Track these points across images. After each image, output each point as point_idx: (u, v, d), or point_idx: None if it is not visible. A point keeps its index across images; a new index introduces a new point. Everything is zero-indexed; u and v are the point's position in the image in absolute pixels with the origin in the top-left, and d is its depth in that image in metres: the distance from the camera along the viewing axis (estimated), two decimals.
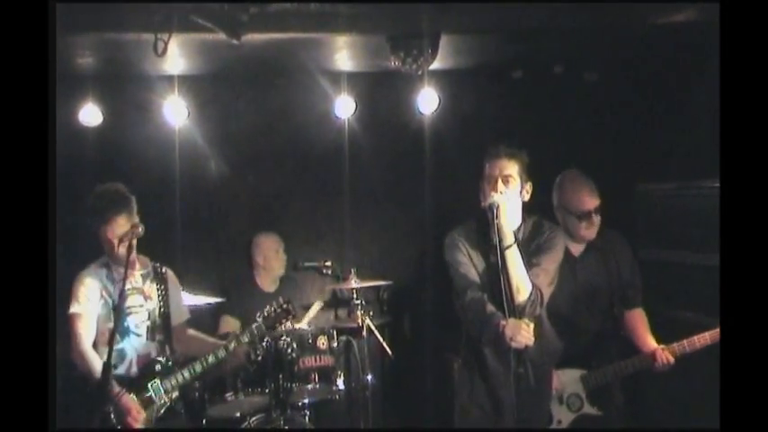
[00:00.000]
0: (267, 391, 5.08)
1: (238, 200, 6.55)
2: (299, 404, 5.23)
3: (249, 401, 5.17)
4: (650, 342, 4.35)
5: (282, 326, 4.55)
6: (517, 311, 3.76)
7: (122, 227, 4.21)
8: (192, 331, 4.66)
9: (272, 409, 5.03)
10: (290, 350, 5.16)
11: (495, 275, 3.87)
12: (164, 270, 4.51)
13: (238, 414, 5.13)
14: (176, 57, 5.30)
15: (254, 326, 4.42)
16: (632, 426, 4.49)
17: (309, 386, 5.27)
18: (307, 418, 5.27)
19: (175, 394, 4.32)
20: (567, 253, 4.40)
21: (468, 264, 4.05)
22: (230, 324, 5.65)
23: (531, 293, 3.83)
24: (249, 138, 6.45)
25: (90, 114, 5.89)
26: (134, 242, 4.14)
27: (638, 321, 4.46)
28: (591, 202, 4.33)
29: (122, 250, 4.18)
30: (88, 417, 4.00)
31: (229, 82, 6.22)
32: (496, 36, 5.28)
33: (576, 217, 4.34)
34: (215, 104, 6.26)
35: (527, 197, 4.02)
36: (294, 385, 5.16)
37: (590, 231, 4.37)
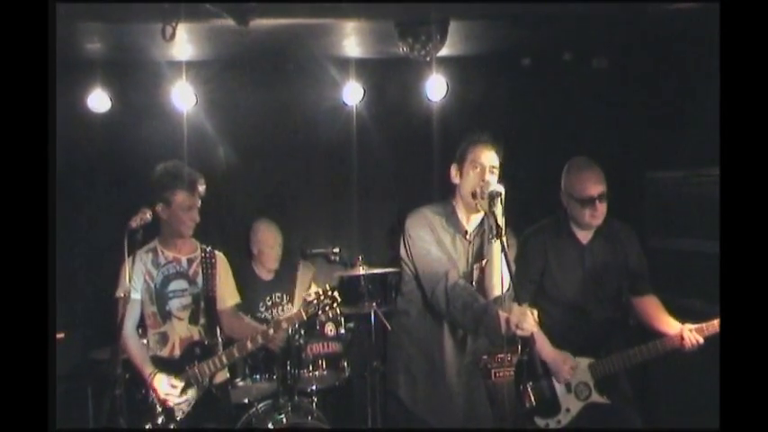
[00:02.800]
0: (275, 377, 5.10)
1: (245, 186, 6.55)
2: (307, 390, 5.25)
3: (257, 387, 5.19)
4: (673, 324, 4.29)
5: (326, 314, 4.50)
6: (507, 299, 3.74)
7: (186, 205, 4.26)
8: (241, 315, 4.65)
9: (280, 395, 5.05)
10: (297, 336, 5.17)
11: (468, 269, 3.90)
12: (213, 254, 4.50)
13: (246, 400, 5.15)
14: (184, 43, 5.30)
15: (294, 314, 4.36)
16: (641, 416, 4.46)
17: (317, 373, 5.29)
18: (314, 404, 5.29)
19: (218, 378, 4.36)
20: (575, 240, 4.38)
21: (440, 247, 3.98)
22: None
23: (509, 287, 3.78)
24: (257, 124, 6.44)
25: (98, 100, 5.89)
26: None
27: (653, 307, 4.41)
28: (594, 188, 4.26)
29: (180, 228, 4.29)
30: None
31: (237, 68, 6.20)
32: (505, 23, 5.25)
33: (579, 203, 4.28)
34: (223, 91, 6.25)
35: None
36: (302, 372, 5.18)
37: (594, 218, 4.29)
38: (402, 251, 4.09)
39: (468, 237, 4.03)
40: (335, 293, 4.30)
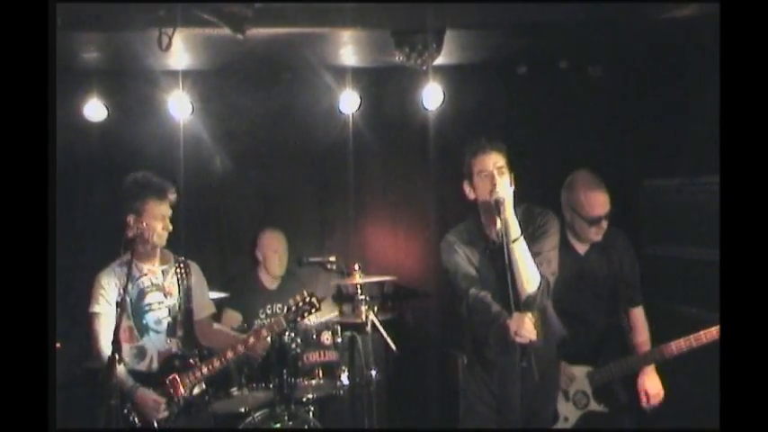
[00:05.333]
0: (271, 386, 5.08)
1: (242, 195, 6.54)
2: (303, 399, 5.23)
3: (253, 396, 5.18)
4: (643, 341, 4.37)
5: (305, 320, 4.49)
6: (527, 303, 3.73)
7: (157, 214, 4.25)
8: (217, 325, 4.63)
9: (277, 404, 5.03)
10: (294, 345, 5.16)
11: (499, 271, 3.86)
12: (187, 264, 4.49)
13: (242, 409, 5.13)
14: (181, 52, 5.30)
15: (274, 320, 4.36)
16: (637, 424, 4.46)
17: (313, 381, 5.28)
18: (311, 413, 5.27)
19: (196, 390, 4.32)
20: (573, 251, 4.43)
21: (467, 264, 4.01)
22: (233, 318, 5.64)
23: (540, 284, 3.81)
24: (253, 133, 6.44)
25: (94, 109, 5.89)
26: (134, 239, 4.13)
27: (638, 320, 4.46)
28: (603, 208, 4.32)
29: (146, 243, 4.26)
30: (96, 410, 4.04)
31: (233, 77, 6.20)
32: (501, 31, 5.26)
33: (586, 221, 4.33)
34: (219, 100, 6.25)
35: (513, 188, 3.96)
36: (298, 381, 5.17)
37: (598, 235, 4.38)
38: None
39: (497, 243, 3.98)
40: (314, 299, 4.34)
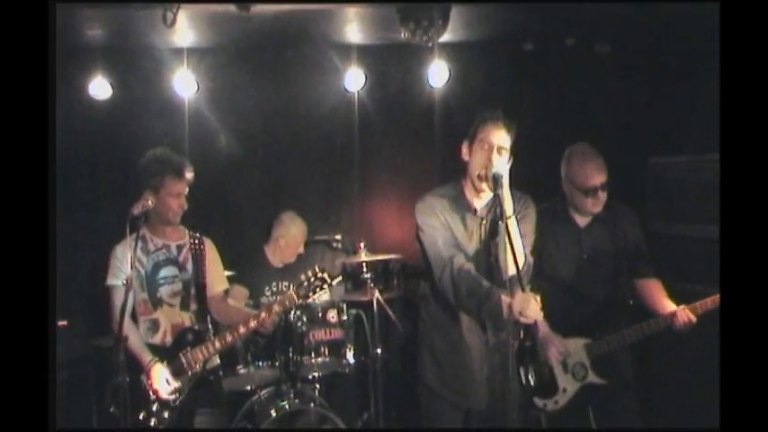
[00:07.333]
0: (277, 364, 5.11)
1: (247, 173, 6.55)
2: (309, 377, 5.24)
3: (259, 374, 5.20)
4: (668, 305, 4.33)
5: (317, 296, 4.48)
6: (512, 283, 3.68)
7: (174, 191, 4.25)
8: (230, 301, 4.64)
9: (283, 382, 5.06)
10: (299, 323, 5.17)
11: (480, 244, 3.85)
12: (201, 240, 4.50)
13: (249, 387, 5.17)
14: (185, 29, 5.29)
15: (286, 296, 4.34)
16: (639, 400, 4.47)
17: (319, 360, 5.28)
18: (316, 391, 5.30)
19: (208, 364, 4.35)
20: (573, 224, 4.45)
21: (448, 230, 3.92)
22: (240, 293, 5.65)
23: (525, 263, 3.75)
24: (258, 110, 6.43)
25: (99, 87, 5.88)
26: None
27: (654, 290, 4.44)
28: (597, 177, 4.31)
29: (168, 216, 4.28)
30: (104, 389, 4.07)
31: (239, 55, 6.19)
32: (507, 8, 5.23)
33: (582, 192, 4.33)
34: (224, 77, 6.24)
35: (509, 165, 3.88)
36: (304, 359, 5.18)
37: (596, 206, 4.37)
38: (416, 239, 4.06)
39: (478, 214, 3.95)
40: (326, 275, 4.30)
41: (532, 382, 4.35)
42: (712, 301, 4.15)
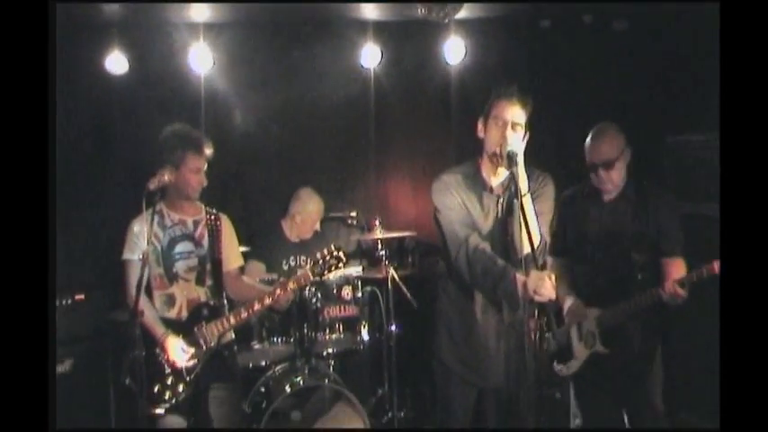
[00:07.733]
0: (292, 340, 5.13)
1: (263, 149, 6.55)
2: (324, 354, 5.27)
3: (274, 350, 5.23)
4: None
5: (332, 274, 4.49)
6: (528, 262, 3.67)
7: (193, 167, 4.25)
8: (245, 278, 4.66)
9: (297, 358, 5.09)
10: (314, 300, 5.19)
11: (497, 222, 3.84)
12: (218, 216, 4.52)
13: (263, 362, 5.20)
14: (201, 4, 5.27)
15: (301, 273, 4.35)
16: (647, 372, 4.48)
17: (334, 336, 5.32)
18: (331, 367, 5.32)
19: (223, 339, 4.37)
20: (598, 198, 4.44)
21: (464, 209, 3.91)
22: (257, 268, 5.67)
23: (540, 242, 3.76)
24: (274, 86, 6.43)
25: (116, 62, 5.88)
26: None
27: (672, 267, 4.42)
28: (608, 152, 4.29)
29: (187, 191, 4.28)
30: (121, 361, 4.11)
31: (255, 30, 6.18)
32: None
33: (597, 166, 4.32)
34: (240, 53, 6.23)
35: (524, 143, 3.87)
36: (319, 335, 5.20)
37: (602, 183, 4.35)
38: (434, 219, 4.05)
39: (494, 192, 3.93)
40: (341, 253, 4.30)
41: (553, 346, 4.46)
42: (698, 273, 4.11)
